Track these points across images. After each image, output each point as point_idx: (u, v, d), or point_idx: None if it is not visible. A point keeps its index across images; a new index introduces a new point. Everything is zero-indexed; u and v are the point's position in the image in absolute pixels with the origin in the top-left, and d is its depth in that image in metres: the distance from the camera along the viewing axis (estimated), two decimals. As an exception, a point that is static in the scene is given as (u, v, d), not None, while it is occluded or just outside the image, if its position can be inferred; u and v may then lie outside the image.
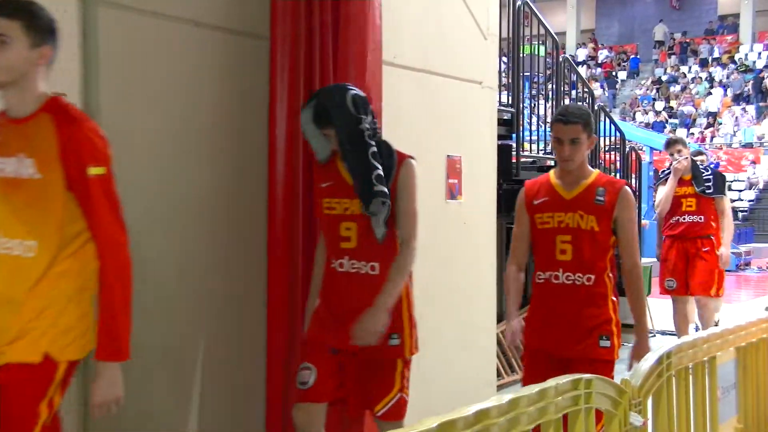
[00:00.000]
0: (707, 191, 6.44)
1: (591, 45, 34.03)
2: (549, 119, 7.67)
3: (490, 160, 5.11)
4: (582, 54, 33.29)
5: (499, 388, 5.51)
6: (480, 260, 4.94)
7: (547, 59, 7.80)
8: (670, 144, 6.72)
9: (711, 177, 6.53)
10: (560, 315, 3.34)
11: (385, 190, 3.01)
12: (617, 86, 32.30)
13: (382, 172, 3.02)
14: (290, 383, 3.39)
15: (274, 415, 3.45)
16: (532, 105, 8.50)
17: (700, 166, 6.57)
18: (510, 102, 6.53)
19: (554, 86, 7.59)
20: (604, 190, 3.33)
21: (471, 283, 4.84)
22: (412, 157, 3.13)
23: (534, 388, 2.00)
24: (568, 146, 3.30)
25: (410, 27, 4.31)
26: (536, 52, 7.53)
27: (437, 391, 4.37)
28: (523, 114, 7.09)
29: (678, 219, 6.55)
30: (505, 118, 6.35)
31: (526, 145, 7.45)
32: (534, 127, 7.96)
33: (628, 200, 3.34)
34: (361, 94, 3.14)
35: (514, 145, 6.50)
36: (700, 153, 7.27)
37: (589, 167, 3.45)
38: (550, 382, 2.08)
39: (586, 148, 3.36)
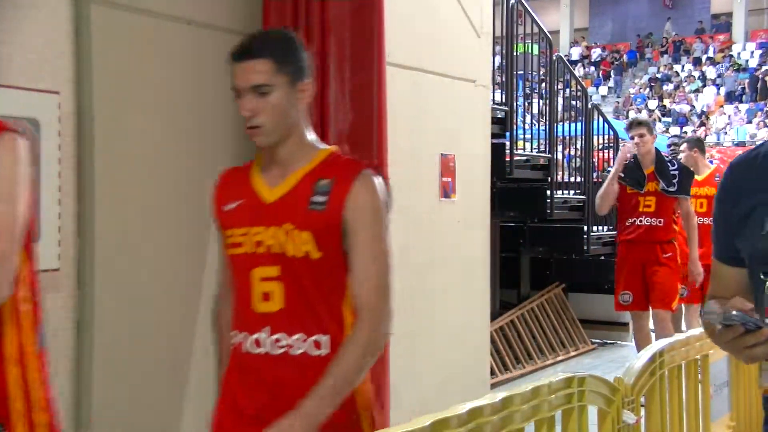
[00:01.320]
0: (669, 189, 5.43)
1: (584, 44, 34.10)
2: (543, 118, 7.70)
3: (484, 159, 5.11)
4: (576, 53, 33.33)
5: (493, 386, 5.52)
6: (473, 259, 4.94)
7: (541, 58, 7.81)
8: (633, 126, 5.58)
9: (677, 172, 5.49)
10: (265, 404, 1.87)
11: None
12: (614, 83, 32.33)
13: None
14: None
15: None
16: (526, 103, 8.52)
17: (666, 158, 5.61)
18: (504, 100, 6.53)
19: (548, 85, 7.60)
20: (329, 183, 1.86)
21: (464, 282, 4.84)
22: (15, 131, 1.80)
23: (527, 386, 2.00)
24: (251, 99, 1.85)
25: (403, 25, 4.30)
26: (530, 51, 7.54)
27: (430, 389, 4.37)
28: (517, 112, 7.10)
29: (634, 221, 5.48)
30: (499, 116, 6.36)
31: (520, 144, 7.46)
32: (528, 126, 7.98)
33: (366, 194, 1.86)
34: None
35: (508, 143, 6.51)
36: (697, 141, 6.48)
37: (313, 142, 1.95)
38: (544, 380, 2.09)
39: (287, 104, 1.87)
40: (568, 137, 8.47)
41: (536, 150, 7.48)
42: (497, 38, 6.28)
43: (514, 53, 6.82)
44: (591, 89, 28.41)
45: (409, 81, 4.37)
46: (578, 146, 8.58)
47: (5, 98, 2.61)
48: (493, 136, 5.73)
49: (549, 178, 7.10)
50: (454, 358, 4.71)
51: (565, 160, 8.43)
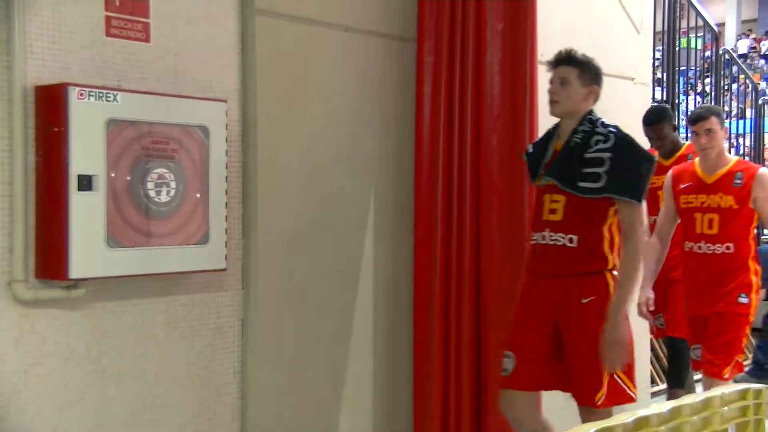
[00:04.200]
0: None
1: (753, 36, 32.04)
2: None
3: (644, 159, 4.90)
4: (743, 46, 31.37)
5: (653, 395, 5.29)
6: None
7: (705, 52, 7.41)
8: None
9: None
10: None
11: None
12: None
13: None
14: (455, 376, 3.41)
15: (421, 408, 3.48)
16: (688, 100, 8.11)
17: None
18: (664, 98, 6.25)
19: (712, 80, 7.20)
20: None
21: (624, 287, 4.66)
22: None
23: (698, 397, 1.90)
24: None
25: (559, 23, 4.20)
26: (693, 46, 7.17)
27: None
28: (678, 110, 6.77)
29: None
30: (660, 114, 6.08)
31: (682, 143, 7.11)
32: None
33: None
34: None
35: (670, 142, 6.21)
36: None
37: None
38: (715, 391, 1.97)
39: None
40: (735, 134, 7.99)
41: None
42: (658, 33, 6.02)
43: (676, 48, 6.51)
44: (762, 84, 26.64)
45: (564, 80, 4.25)
46: (747, 144, 8.08)
47: (180, 108, 2.77)
48: (654, 135, 5.48)
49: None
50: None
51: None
